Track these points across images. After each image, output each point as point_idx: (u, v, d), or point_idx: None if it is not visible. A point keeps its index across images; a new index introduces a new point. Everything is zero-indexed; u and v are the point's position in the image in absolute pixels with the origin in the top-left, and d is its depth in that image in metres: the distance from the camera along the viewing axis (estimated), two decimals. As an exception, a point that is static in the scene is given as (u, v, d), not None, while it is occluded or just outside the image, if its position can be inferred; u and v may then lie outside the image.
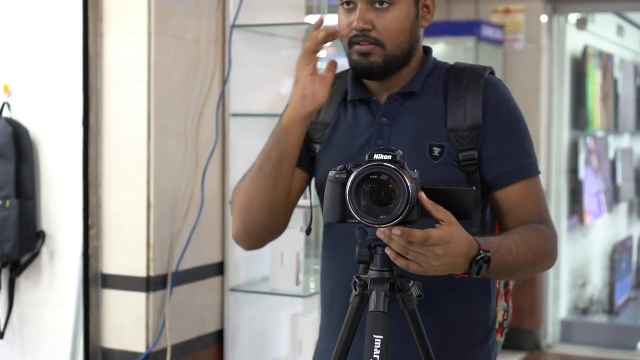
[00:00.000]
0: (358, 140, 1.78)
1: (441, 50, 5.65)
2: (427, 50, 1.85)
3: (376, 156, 1.53)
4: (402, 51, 1.76)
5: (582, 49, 6.37)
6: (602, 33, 6.89)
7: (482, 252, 1.58)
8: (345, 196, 1.53)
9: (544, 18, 5.73)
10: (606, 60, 6.98)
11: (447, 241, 1.52)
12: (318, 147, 1.83)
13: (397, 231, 1.49)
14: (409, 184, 1.50)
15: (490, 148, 1.74)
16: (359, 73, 1.78)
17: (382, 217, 1.51)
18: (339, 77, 1.87)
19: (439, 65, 1.83)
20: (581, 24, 6.24)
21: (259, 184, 1.79)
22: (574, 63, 6.30)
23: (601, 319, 6.40)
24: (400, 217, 1.51)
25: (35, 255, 2.89)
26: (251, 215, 1.82)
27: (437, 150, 1.73)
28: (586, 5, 6.00)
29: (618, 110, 7.18)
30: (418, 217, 1.54)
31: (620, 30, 7.47)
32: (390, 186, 1.51)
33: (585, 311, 6.47)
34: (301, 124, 1.76)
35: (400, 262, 1.53)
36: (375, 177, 1.52)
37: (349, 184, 1.52)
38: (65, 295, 2.86)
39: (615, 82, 7.21)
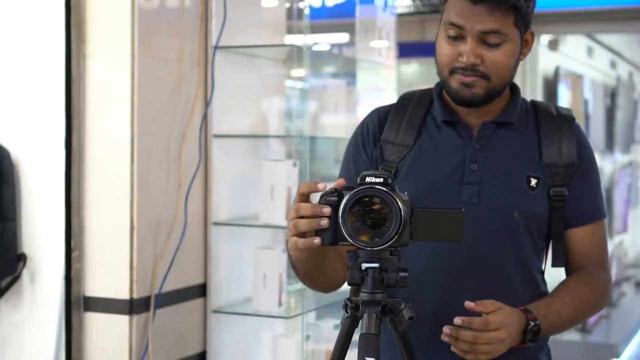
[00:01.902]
0: (447, 163, 1.80)
1: (415, 70, 5.70)
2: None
3: (368, 179, 1.54)
4: (504, 85, 1.79)
5: (554, 69, 6.46)
6: (573, 54, 6.99)
7: (530, 322, 1.68)
8: (336, 218, 1.54)
9: (517, 39, 5.79)
10: (576, 80, 7.08)
11: (506, 324, 1.64)
12: (393, 169, 1.82)
13: (457, 320, 1.60)
14: (400, 206, 1.51)
15: (574, 187, 1.80)
16: (456, 100, 1.78)
17: (375, 239, 1.53)
18: (411, 99, 1.88)
19: (523, 99, 1.87)
20: (553, 45, 6.33)
21: (307, 275, 1.80)
22: (546, 83, 6.38)
23: (574, 336, 6.44)
24: (393, 240, 1.52)
25: (16, 277, 2.86)
26: (319, 287, 1.88)
27: (533, 181, 1.78)
28: (557, 27, 6.08)
29: (588, 130, 7.27)
30: (409, 239, 1.55)
31: (590, 51, 7.59)
32: (382, 208, 1.52)
33: (558, 329, 6.51)
34: (310, 256, 1.67)
35: (469, 357, 1.63)
36: (367, 199, 1.53)
37: (342, 206, 1.53)
38: (47, 318, 2.83)
39: (585, 103, 7.31)
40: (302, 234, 1.57)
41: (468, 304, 1.64)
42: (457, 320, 1.61)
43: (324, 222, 1.53)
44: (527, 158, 1.80)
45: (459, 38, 1.73)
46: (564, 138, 1.80)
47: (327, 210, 1.54)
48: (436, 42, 1.79)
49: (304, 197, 1.58)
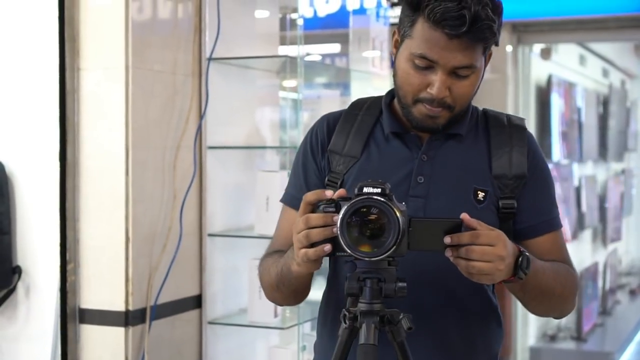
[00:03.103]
0: (394, 175, 1.75)
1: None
2: None
3: (365, 189, 1.54)
4: (464, 109, 1.75)
5: (546, 78, 6.48)
6: (565, 62, 7.02)
7: (521, 251, 1.61)
8: (335, 229, 1.54)
9: (509, 48, 5.82)
10: (569, 89, 7.10)
11: (503, 239, 1.56)
12: (339, 180, 1.78)
13: (446, 239, 1.53)
14: (398, 216, 1.51)
15: (525, 198, 1.76)
16: (417, 127, 1.74)
17: (373, 250, 1.52)
18: (361, 107, 1.84)
19: (474, 108, 1.82)
20: (545, 54, 6.35)
21: (294, 291, 1.79)
22: (539, 92, 6.40)
23: (569, 345, 6.45)
24: (391, 250, 1.52)
25: (11, 290, 2.86)
26: (295, 302, 1.87)
27: (481, 195, 1.74)
28: (550, 36, 6.11)
29: (582, 139, 7.30)
30: (407, 249, 1.55)
31: (582, 60, 7.62)
32: (380, 219, 1.52)
33: (553, 338, 6.52)
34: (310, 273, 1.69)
35: (466, 274, 1.56)
36: (365, 210, 1.52)
37: (340, 217, 1.52)
38: (42, 330, 2.82)
39: (578, 111, 7.34)
40: (311, 245, 1.55)
41: (464, 215, 1.55)
42: (447, 238, 1.53)
43: (335, 230, 1.52)
44: (476, 170, 1.75)
45: (427, 68, 1.66)
46: (514, 149, 1.76)
47: (336, 218, 1.52)
48: (397, 64, 1.72)
49: (311, 207, 1.57)
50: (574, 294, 1.80)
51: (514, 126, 1.79)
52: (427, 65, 1.66)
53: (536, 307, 1.79)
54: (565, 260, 1.81)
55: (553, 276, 1.71)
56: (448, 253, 1.56)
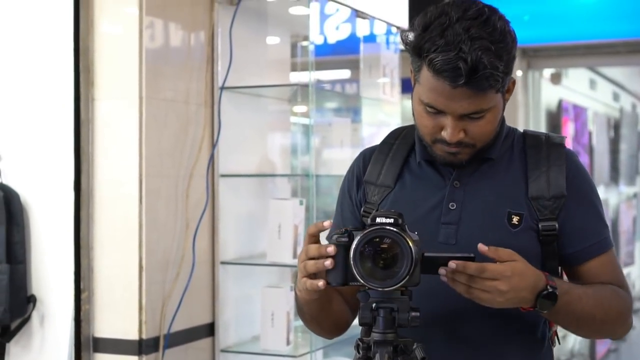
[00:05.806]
0: (426, 202, 1.74)
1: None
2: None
3: (378, 219, 1.55)
4: (488, 143, 1.71)
5: (557, 102, 6.49)
6: (575, 87, 7.03)
7: (549, 287, 1.58)
8: (347, 259, 1.55)
9: (519, 73, 5.84)
10: (580, 113, 7.11)
11: (508, 275, 1.54)
12: (374, 210, 1.76)
13: (452, 264, 1.53)
14: (411, 246, 1.52)
15: (571, 221, 1.70)
16: (441, 164, 1.73)
17: (386, 280, 1.53)
18: (397, 136, 1.84)
19: (511, 130, 1.79)
20: (555, 79, 6.37)
21: (314, 318, 1.79)
22: (549, 116, 6.41)
23: (583, 370, 6.42)
24: (404, 280, 1.52)
25: (26, 319, 2.87)
26: (325, 331, 1.87)
27: (515, 218, 1.69)
28: (559, 61, 6.13)
29: (593, 163, 7.29)
30: (419, 279, 1.56)
31: (592, 84, 7.62)
32: (393, 249, 1.52)
33: (567, 363, 6.49)
34: (319, 298, 1.67)
35: (466, 296, 1.57)
36: (378, 240, 1.53)
37: (353, 247, 1.53)
38: (56, 359, 2.83)
39: (589, 135, 7.34)
40: (312, 275, 1.58)
41: (481, 246, 1.55)
42: (452, 264, 1.53)
43: (328, 263, 1.54)
44: (510, 194, 1.71)
45: (438, 113, 1.63)
46: (552, 168, 1.71)
47: (330, 249, 1.54)
48: (413, 104, 1.69)
49: (314, 238, 1.59)
50: (623, 317, 1.74)
51: (552, 145, 1.74)
52: (436, 111, 1.64)
53: (575, 331, 1.75)
54: (617, 281, 1.75)
55: (594, 302, 1.67)
56: (442, 272, 1.55)
